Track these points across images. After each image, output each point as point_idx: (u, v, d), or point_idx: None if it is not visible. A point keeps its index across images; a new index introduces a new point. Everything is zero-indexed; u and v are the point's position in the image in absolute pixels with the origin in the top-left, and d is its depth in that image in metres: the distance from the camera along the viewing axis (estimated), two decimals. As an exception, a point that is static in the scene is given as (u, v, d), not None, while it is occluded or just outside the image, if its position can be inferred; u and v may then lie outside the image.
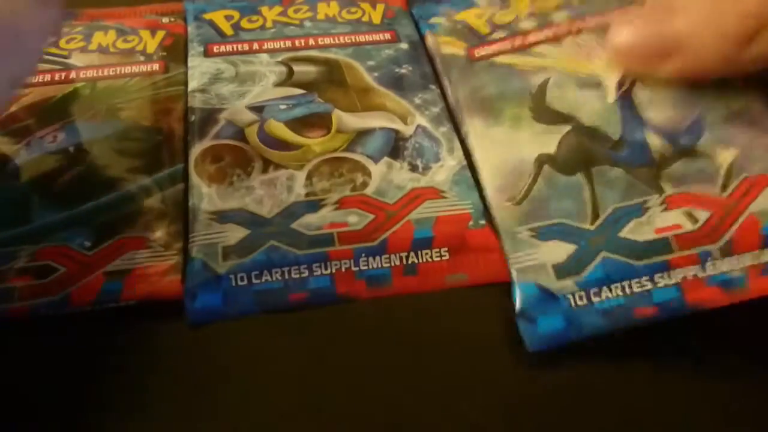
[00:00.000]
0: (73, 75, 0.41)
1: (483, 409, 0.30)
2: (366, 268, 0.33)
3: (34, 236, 0.33)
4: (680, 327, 0.31)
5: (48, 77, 0.41)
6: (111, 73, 0.42)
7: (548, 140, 0.36)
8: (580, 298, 0.31)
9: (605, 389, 0.30)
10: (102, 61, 0.42)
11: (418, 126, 0.39)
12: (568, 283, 0.32)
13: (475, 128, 0.38)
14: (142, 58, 0.43)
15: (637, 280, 0.32)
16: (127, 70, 0.42)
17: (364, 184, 0.36)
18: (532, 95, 0.38)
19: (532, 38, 0.41)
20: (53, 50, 0.43)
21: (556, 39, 0.41)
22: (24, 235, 0.33)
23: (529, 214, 0.34)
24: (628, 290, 0.31)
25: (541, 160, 0.35)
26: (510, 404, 0.30)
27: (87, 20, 0.45)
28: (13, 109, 0.39)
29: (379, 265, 0.33)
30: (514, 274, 0.32)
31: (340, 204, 0.35)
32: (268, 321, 0.32)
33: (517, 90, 0.39)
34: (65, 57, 0.43)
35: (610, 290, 0.31)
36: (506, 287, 0.32)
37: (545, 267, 0.32)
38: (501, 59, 0.41)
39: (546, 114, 0.37)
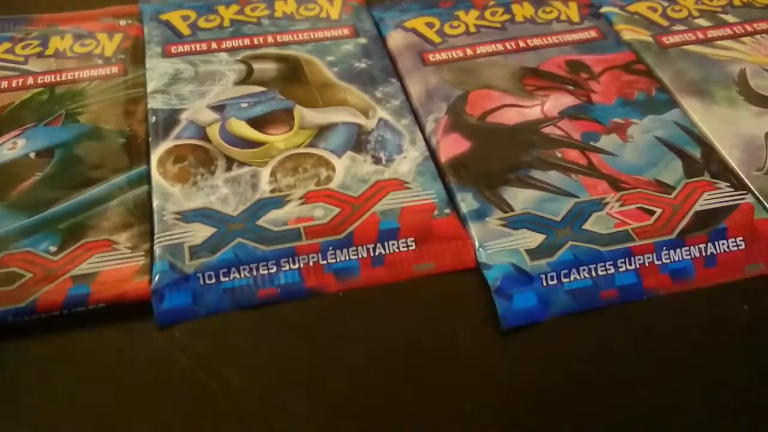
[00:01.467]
0: (30, 81, 0.41)
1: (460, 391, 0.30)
2: (334, 261, 0.33)
3: (-3, 244, 0.33)
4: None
5: (5, 84, 0.41)
6: (69, 78, 0.41)
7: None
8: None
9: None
10: (60, 65, 0.42)
11: (380, 119, 0.40)
12: None
13: (693, 107, 0.41)
14: (100, 62, 0.42)
15: None
16: (86, 74, 0.42)
17: (329, 179, 0.36)
18: (735, 81, 0.42)
19: (713, 33, 0.46)
20: (9, 57, 0.42)
21: (735, 36, 0.46)
22: (-14, 244, 0.33)
23: None
24: None
25: None
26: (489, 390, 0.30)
27: (43, 26, 0.45)
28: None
29: (347, 258, 0.34)
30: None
31: (306, 199, 0.35)
32: (237, 319, 0.32)
33: (718, 75, 0.43)
34: (22, 63, 0.42)
35: None
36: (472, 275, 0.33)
37: None
38: (691, 48, 0.45)
39: (757, 98, 0.41)
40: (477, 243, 0.34)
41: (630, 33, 0.46)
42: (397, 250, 0.34)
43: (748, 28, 0.47)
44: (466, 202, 0.36)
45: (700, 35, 0.46)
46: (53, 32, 0.44)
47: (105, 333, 0.32)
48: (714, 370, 0.31)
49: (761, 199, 0.36)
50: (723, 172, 0.37)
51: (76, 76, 0.41)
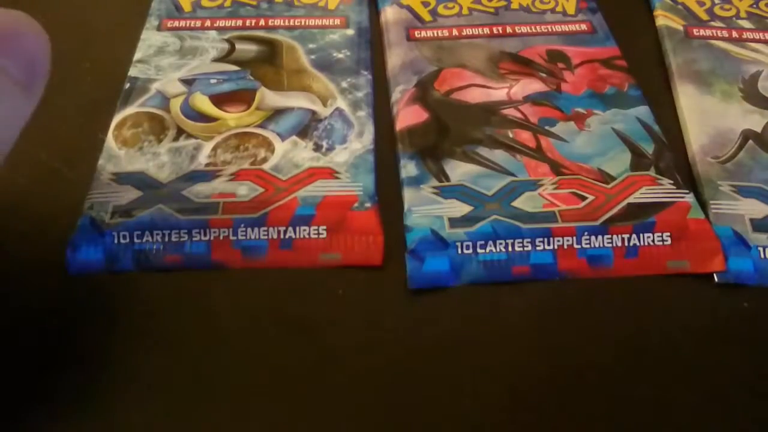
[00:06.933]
0: None
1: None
2: (243, 238, 0.34)
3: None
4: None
5: None
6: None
7: (756, 120, 0.40)
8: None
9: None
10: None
11: (337, 108, 0.40)
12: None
13: (686, 93, 0.41)
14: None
15: None
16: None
17: (264, 160, 0.37)
18: (743, 79, 0.42)
19: (749, 35, 0.45)
20: None
21: None
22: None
23: (732, 174, 0.37)
24: None
25: (747, 135, 0.39)
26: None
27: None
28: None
29: (257, 237, 0.34)
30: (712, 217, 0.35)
31: (235, 176, 0.36)
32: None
33: (729, 71, 0.43)
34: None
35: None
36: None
37: (743, 218, 0.35)
38: (717, 43, 0.45)
39: (756, 98, 0.41)
40: (406, 207, 0.35)
41: (663, 19, 0.46)
42: (307, 237, 0.34)
43: None
44: (407, 168, 0.37)
45: (735, 34, 0.45)
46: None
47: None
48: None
49: (702, 184, 0.36)
50: (671, 170, 0.37)
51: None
